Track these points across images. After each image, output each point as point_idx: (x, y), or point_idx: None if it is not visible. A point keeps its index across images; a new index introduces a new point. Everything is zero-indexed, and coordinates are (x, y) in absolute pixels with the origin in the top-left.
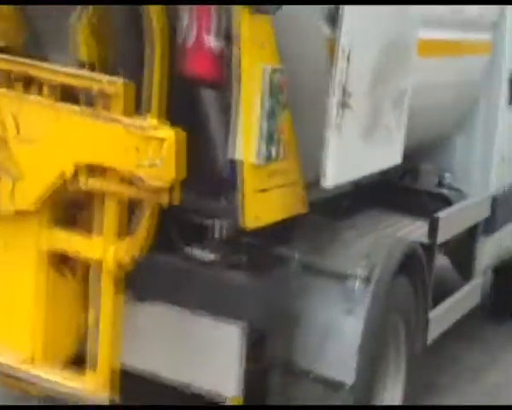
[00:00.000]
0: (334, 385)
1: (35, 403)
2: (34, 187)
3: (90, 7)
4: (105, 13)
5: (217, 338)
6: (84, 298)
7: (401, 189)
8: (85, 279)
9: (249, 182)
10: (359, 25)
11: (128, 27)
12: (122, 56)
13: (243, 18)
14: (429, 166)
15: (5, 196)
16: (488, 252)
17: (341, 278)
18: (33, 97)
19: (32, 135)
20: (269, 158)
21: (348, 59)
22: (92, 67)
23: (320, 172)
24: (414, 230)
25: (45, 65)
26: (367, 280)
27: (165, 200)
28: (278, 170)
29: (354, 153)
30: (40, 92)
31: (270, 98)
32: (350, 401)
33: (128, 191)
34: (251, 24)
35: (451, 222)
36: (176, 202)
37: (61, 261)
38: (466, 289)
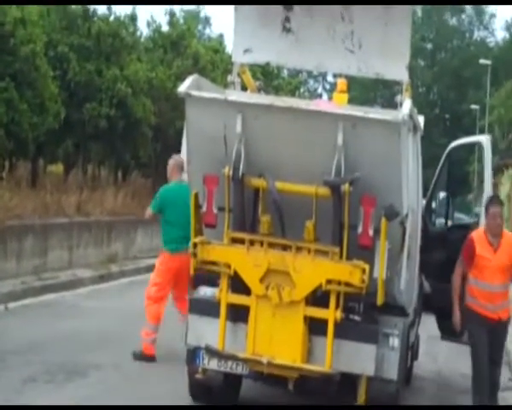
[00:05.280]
0: (389, 381)
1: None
2: (301, 291)
3: None
4: None
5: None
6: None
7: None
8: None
9: (381, 285)
10: (411, 223)
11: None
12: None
13: (383, 223)
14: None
15: (286, 294)
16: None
17: (389, 334)
18: (303, 256)
19: (301, 269)
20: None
21: (410, 237)
22: None
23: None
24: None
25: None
26: (398, 335)
27: (363, 293)
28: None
29: (407, 273)
30: (301, 251)
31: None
32: (393, 389)
33: (346, 289)
34: (385, 226)
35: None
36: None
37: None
38: None
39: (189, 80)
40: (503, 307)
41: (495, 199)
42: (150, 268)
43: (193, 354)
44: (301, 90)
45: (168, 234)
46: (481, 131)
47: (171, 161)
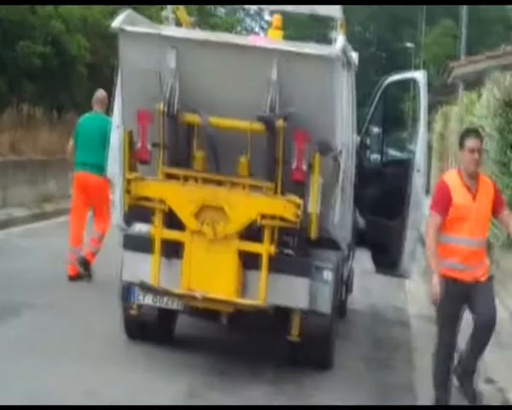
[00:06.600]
0: (322, 314)
1: (223, 321)
2: (236, 226)
3: None
4: None
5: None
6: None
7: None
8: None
9: (313, 219)
10: (345, 159)
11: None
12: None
13: (316, 158)
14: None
15: (221, 229)
16: None
17: (323, 268)
18: (237, 191)
19: (235, 204)
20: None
21: (344, 172)
22: None
23: (329, 218)
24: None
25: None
26: (331, 269)
27: (297, 228)
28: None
29: (341, 207)
30: (235, 187)
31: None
32: (327, 322)
33: (280, 223)
34: (318, 161)
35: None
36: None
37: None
38: None
39: (122, 15)
40: (481, 269)
41: (472, 131)
42: None
43: (127, 291)
44: (238, 28)
45: (74, 158)
46: (417, 69)
47: (95, 95)
